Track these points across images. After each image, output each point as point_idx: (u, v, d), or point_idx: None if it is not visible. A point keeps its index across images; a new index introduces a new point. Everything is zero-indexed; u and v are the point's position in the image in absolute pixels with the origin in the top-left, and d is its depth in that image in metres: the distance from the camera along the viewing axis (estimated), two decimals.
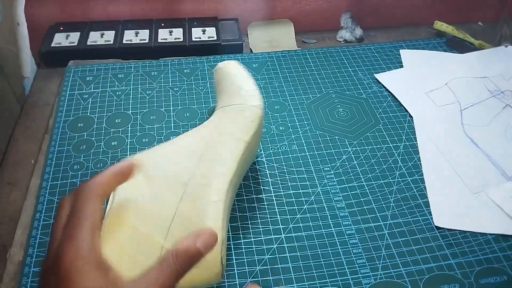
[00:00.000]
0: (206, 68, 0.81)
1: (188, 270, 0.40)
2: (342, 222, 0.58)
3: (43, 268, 0.39)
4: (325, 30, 0.96)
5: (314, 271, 0.53)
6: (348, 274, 0.53)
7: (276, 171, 0.64)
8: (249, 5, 0.94)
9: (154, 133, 0.69)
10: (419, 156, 0.67)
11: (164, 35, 0.87)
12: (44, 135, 0.70)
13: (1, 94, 0.81)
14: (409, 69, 0.82)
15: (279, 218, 0.58)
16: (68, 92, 0.76)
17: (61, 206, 0.41)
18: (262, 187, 0.62)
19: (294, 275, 0.53)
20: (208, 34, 0.88)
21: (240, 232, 0.57)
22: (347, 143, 0.69)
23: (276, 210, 0.59)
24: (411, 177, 0.64)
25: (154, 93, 0.76)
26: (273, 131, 0.70)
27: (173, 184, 0.49)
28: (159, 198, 0.47)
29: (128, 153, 0.66)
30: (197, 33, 0.88)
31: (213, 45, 0.86)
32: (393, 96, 0.77)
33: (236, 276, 0.52)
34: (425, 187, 0.63)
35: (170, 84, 0.78)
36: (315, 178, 0.63)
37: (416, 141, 0.69)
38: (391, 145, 0.69)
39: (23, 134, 0.70)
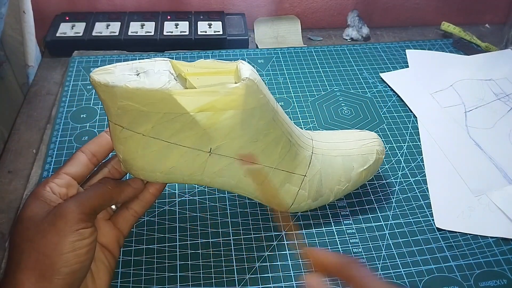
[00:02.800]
0: None
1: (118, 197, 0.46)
2: (343, 221, 0.58)
3: None
4: (331, 28, 0.96)
5: (313, 269, 0.53)
6: None
7: None
8: (256, 0, 0.93)
9: None
10: (422, 157, 0.66)
11: (170, 28, 0.87)
12: (47, 124, 0.70)
13: (5, 81, 0.81)
14: (414, 70, 0.82)
15: (280, 215, 0.58)
16: (71, 82, 0.76)
17: None
18: None
19: (293, 272, 0.52)
20: (214, 28, 0.87)
21: (241, 228, 0.57)
22: None
23: None
24: (414, 177, 0.64)
25: None
26: None
27: None
28: None
29: None
30: (203, 27, 0.87)
31: (219, 39, 0.86)
32: (398, 96, 0.77)
33: (235, 272, 0.52)
34: (427, 188, 0.62)
35: None
36: None
37: (419, 141, 0.69)
38: (394, 145, 0.68)
39: (25, 123, 0.70)
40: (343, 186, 0.56)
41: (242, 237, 0.56)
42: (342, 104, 0.75)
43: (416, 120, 0.72)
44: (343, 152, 0.57)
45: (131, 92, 0.42)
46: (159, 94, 0.43)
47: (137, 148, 0.45)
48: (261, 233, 0.56)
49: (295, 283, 0.51)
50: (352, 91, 0.77)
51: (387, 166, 0.65)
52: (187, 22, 0.88)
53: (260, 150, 0.49)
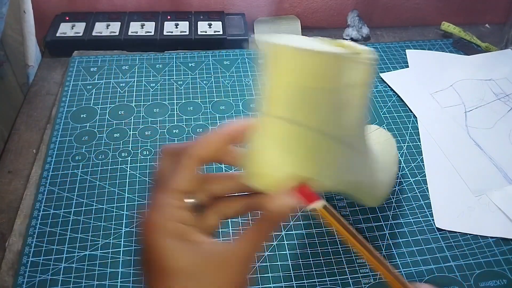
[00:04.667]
0: (211, 62, 0.81)
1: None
2: None
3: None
4: (331, 28, 0.96)
5: (313, 269, 0.53)
6: (348, 274, 0.53)
7: None
8: (256, 0, 0.93)
9: (157, 126, 0.69)
10: (422, 157, 0.66)
11: (170, 28, 0.87)
12: (47, 124, 0.70)
13: (5, 81, 0.81)
14: (414, 70, 0.82)
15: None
16: (72, 82, 0.76)
17: (162, 159, 0.38)
18: None
19: (293, 272, 0.52)
20: (214, 28, 0.87)
21: (240, 228, 0.56)
22: None
23: None
24: (414, 177, 0.64)
25: (158, 86, 0.76)
26: None
27: None
28: None
29: (131, 145, 0.66)
30: (203, 27, 0.87)
31: (218, 39, 0.85)
32: (398, 96, 0.76)
33: None
34: (427, 188, 0.62)
35: (175, 77, 0.78)
36: None
37: (419, 142, 0.69)
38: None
39: (25, 123, 0.70)
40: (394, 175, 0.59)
41: None
42: None
43: (416, 120, 0.72)
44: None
45: (318, 56, 0.36)
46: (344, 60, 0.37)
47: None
48: None
49: (295, 283, 0.51)
50: None
51: None
52: (187, 22, 0.88)
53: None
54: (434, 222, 0.58)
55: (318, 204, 0.37)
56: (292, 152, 0.39)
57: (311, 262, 0.54)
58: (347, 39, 0.91)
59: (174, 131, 0.68)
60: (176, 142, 0.66)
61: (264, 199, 0.37)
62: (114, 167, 0.63)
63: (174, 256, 0.33)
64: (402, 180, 0.63)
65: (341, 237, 0.37)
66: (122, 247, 0.54)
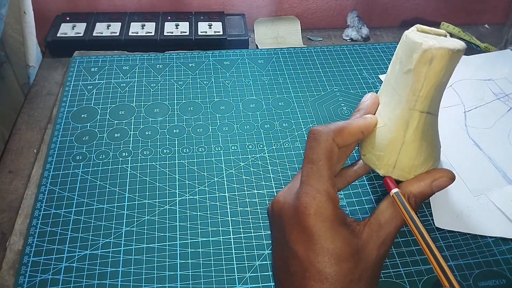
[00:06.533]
0: (211, 62, 0.81)
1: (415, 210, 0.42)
2: None
3: (278, 203, 0.43)
4: (331, 28, 0.96)
5: None
6: None
7: (278, 167, 0.64)
8: (256, 0, 0.94)
9: (158, 126, 0.69)
10: None
11: (170, 28, 0.87)
12: (47, 124, 0.70)
13: (6, 82, 0.81)
14: None
15: None
16: (72, 83, 0.76)
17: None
18: (263, 183, 0.62)
19: None
20: (214, 28, 0.87)
21: (241, 226, 0.57)
22: None
23: None
24: None
25: (158, 86, 0.76)
26: (277, 127, 0.70)
27: None
28: None
29: (131, 145, 0.66)
30: (203, 28, 0.88)
31: (219, 39, 0.86)
32: None
33: (235, 271, 0.52)
34: None
35: (175, 77, 0.78)
36: None
37: None
38: None
39: (26, 123, 0.70)
40: None
41: (242, 235, 0.56)
42: (342, 104, 0.75)
43: None
44: None
45: (460, 54, 0.41)
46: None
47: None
48: (261, 231, 0.56)
49: None
50: (351, 91, 0.78)
51: None
52: (188, 23, 0.88)
53: None
54: (433, 222, 0.58)
55: (393, 191, 0.43)
56: (428, 140, 0.44)
57: None
58: (346, 39, 0.92)
59: (174, 131, 0.68)
60: (176, 141, 0.67)
61: (408, 183, 0.44)
62: (115, 167, 0.63)
63: (339, 239, 0.38)
64: None
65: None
66: (122, 246, 0.54)
